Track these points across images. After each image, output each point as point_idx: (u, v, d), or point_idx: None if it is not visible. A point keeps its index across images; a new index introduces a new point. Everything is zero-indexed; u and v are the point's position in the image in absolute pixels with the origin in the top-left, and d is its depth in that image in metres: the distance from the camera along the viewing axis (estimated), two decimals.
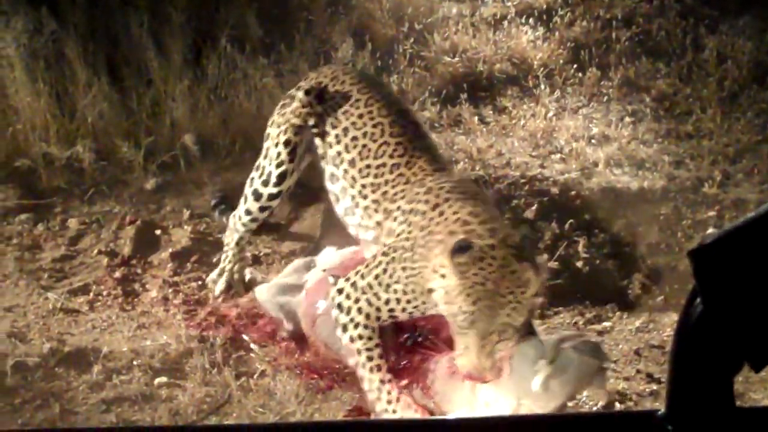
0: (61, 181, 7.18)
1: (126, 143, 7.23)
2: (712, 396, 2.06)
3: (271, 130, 5.85)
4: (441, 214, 4.93)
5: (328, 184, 5.63)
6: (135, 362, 5.63)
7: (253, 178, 5.88)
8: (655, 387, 5.39)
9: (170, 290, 6.24)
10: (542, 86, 8.22)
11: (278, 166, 5.76)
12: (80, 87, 7.50)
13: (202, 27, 8.21)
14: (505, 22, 8.97)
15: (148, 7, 8.04)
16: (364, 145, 5.43)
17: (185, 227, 6.80)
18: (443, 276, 4.69)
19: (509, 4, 9.34)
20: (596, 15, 9.07)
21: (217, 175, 7.26)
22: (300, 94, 5.75)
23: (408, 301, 4.98)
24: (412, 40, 8.66)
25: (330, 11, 8.83)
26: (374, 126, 5.46)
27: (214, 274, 6.17)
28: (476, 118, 7.95)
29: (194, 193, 7.12)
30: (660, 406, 5.27)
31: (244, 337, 5.82)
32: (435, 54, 8.54)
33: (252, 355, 5.72)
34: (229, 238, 6.11)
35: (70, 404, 5.36)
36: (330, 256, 5.71)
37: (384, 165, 5.34)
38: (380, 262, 5.06)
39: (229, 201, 6.48)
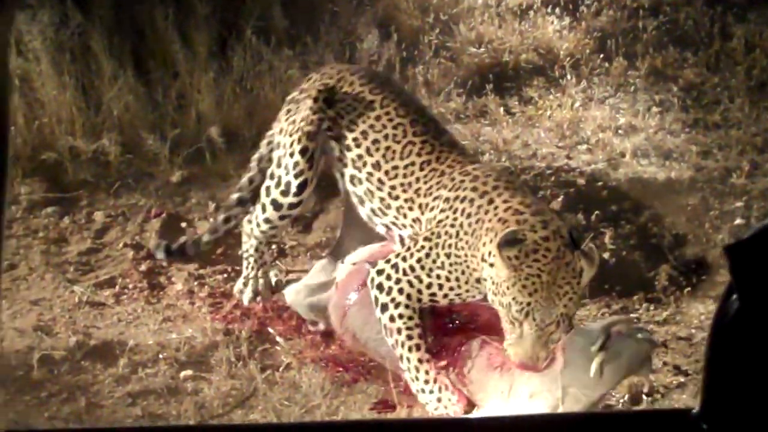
0: (87, 174, 7.18)
1: (152, 136, 7.22)
2: (749, 395, 2.02)
3: (282, 139, 5.78)
4: (491, 201, 4.95)
5: (349, 186, 5.63)
6: (161, 355, 5.65)
7: (269, 187, 5.80)
8: (682, 379, 5.37)
9: (195, 283, 6.24)
10: (568, 76, 8.16)
11: (297, 175, 5.68)
12: (106, 80, 7.51)
13: (227, 19, 8.18)
14: (531, 12, 8.91)
15: None
16: (388, 147, 5.43)
17: (211, 220, 6.79)
18: (492, 265, 4.71)
19: None
20: (623, 4, 8.99)
21: (242, 167, 7.24)
22: (309, 102, 5.70)
23: (451, 288, 5.02)
24: (437, 30, 8.61)
25: (355, 2, 8.78)
26: (395, 127, 5.45)
27: (239, 284, 6.09)
28: (502, 108, 7.91)
29: (220, 186, 7.11)
30: (687, 398, 5.25)
31: (270, 330, 5.82)
32: (460, 44, 8.50)
33: (277, 348, 5.72)
34: (248, 245, 6.05)
35: (96, 398, 5.39)
36: (359, 252, 5.68)
37: (413, 164, 5.34)
38: (422, 246, 5.08)
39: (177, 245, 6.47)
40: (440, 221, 5.10)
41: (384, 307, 5.12)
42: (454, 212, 5.06)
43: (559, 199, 6.75)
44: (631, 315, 5.92)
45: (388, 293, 5.10)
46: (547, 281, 4.63)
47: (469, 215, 4.99)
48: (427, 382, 5.02)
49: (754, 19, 8.73)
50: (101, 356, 5.66)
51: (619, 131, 7.58)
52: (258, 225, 5.92)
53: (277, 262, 6.44)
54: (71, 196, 7.04)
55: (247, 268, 6.08)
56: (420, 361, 5.04)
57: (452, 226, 5.03)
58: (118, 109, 7.40)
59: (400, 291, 5.08)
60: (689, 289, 6.11)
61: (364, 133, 5.52)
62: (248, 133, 7.39)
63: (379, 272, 5.17)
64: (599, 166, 7.13)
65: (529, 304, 4.63)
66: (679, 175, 7.03)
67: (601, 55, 8.43)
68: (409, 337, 5.07)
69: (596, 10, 8.87)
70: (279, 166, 5.78)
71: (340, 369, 5.52)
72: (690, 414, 2.10)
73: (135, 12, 8.13)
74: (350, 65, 6.07)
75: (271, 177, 5.81)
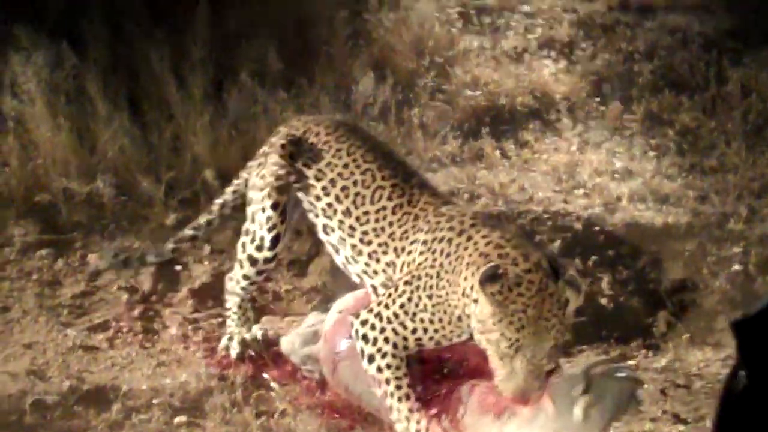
0: (82, 216, 7.15)
1: (146, 178, 7.20)
2: None
3: (253, 194, 5.79)
4: (469, 238, 4.92)
5: (323, 236, 5.63)
6: (154, 401, 5.60)
7: (244, 244, 5.80)
8: (681, 428, 5.33)
9: (190, 327, 6.21)
10: (564, 120, 8.16)
11: (270, 230, 5.69)
12: (101, 122, 7.48)
13: (222, 61, 8.17)
14: (527, 55, 8.94)
15: (169, 41, 8.00)
16: (357, 193, 5.41)
17: (205, 263, 6.77)
18: (475, 301, 4.67)
19: (531, 36, 9.29)
20: (618, 48, 9.03)
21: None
22: (275, 157, 5.70)
23: (435, 330, 4.97)
24: (433, 73, 8.62)
25: (350, 44, 8.78)
26: (363, 173, 5.43)
27: (225, 340, 6.03)
28: (498, 152, 7.90)
29: (215, 229, 7.05)
30: None
31: (265, 375, 5.77)
32: (456, 87, 8.50)
33: (272, 394, 5.67)
34: (231, 303, 6.04)
35: None
36: (345, 299, 5.65)
37: (384, 208, 5.32)
38: (404, 291, 5.04)
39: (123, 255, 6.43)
40: (420, 264, 5.06)
41: (371, 359, 5.07)
42: (433, 253, 5.02)
43: (556, 244, 6.73)
44: (630, 362, 5.88)
45: (374, 344, 5.05)
46: (533, 315, 4.56)
47: (448, 254, 4.95)
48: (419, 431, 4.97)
49: (749, 63, 8.75)
50: (94, 401, 5.59)
51: (616, 175, 7.57)
52: (238, 282, 5.92)
53: (271, 306, 6.41)
54: (65, 239, 7.00)
55: (231, 324, 6.06)
56: (411, 411, 4.98)
57: (432, 266, 4.99)
58: (113, 151, 7.37)
59: (386, 340, 5.03)
60: (688, 335, 6.07)
61: (332, 181, 5.50)
62: None
63: (363, 323, 5.12)
64: (596, 211, 7.11)
65: (518, 340, 4.56)
66: (677, 220, 7.01)
67: (597, 99, 8.45)
68: (398, 387, 5.02)
69: (592, 54, 8.90)
70: (252, 221, 5.77)
71: (336, 415, 5.47)
72: None
73: (130, 54, 8.13)
74: (317, 116, 6.04)
75: (246, 233, 5.81)
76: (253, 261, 5.79)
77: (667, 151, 7.89)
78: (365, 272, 5.39)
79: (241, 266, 5.85)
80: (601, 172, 7.57)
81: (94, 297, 6.56)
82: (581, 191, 7.41)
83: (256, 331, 6.02)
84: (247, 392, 5.63)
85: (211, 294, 6.48)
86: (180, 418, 5.49)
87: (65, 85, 7.59)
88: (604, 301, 6.32)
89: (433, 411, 4.98)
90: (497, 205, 7.17)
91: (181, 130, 7.60)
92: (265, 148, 5.91)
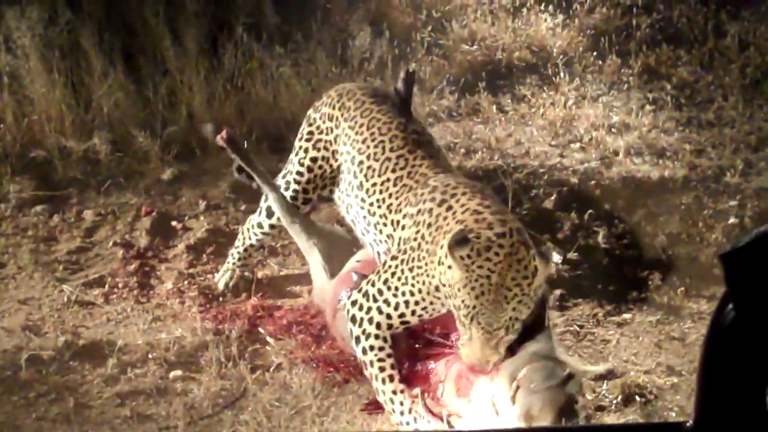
0: (77, 172, 7.15)
1: (142, 134, 7.19)
2: (745, 407, 1.97)
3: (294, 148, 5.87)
4: (449, 208, 4.88)
5: (346, 216, 5.65)
6: (150, 355, 5.62)
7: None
8: (675, 380, 5.34)
9: (186, 282, 6.21)
10: (561, 74, 8.13)
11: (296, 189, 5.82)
12: (96, 77, 7.47)
13: (218, 16, 8.13)
14: (524, 10, 8.89)
15: None
16: (369, 167, 5.39)
17: (201, 219, 6.76)
18: (449, 267, 4.64)
19: None
20: (616, 2, 8.97)
21: (233, 164, 7.22)
22: (311, 117, 5.81)
23: (416, 302, 4.93)
24: (430, 28, 8.60)
25: None
26: (375, 146, 5.41)
27: (219, 273, 6.18)
28: (495, 106, 7.88)
29: (210, 184, 7.08)
30: (681, 399, 5.21)
31: (260, 329, 5.79)
32: (453, 42, 8.47)
33: (268, 348, 5.69)
34: (240, 241, 6.16)
35: (85, 398, 5.36)
36: (365, 251, 5.62)
37: (388, 180, 5.30)
38: (389, 267, 5.03)
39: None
40: (406, 239, 5.05)
41: (357, 340, 5.06)
42: (417, 226, 4.99)
43: (552, 198, 6.73)
44: (624, 315, 5.89)
45: (360, 325, 5.04)
46: (496, 283, 4.52)
47: (429, 225, 4.91)
48: (402, 413, 4.94)
49: (747, 17, 8.72)
50: (90, 356, 5.62)
51: (613, 130, 7.55)
52: (253, 226, 6.04)
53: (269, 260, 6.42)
54: (61, 195, 7.01)
55: (230, 260, 6.17)
56: (394, 392, 4.97)
57: (415, 239, 4.96)
58: (108, 106, 7.36)
59: (370, 321, 5.01)
60: (682, 288, 6.06)
61: (353, 159, 5.49)
62: (239, 131, 7.36)
63: (353, 303, 5.11)
64: (592, 165, 7.10)
65: (474, 307, 4.53)
66: (673, 174, 7.00)
67: (595, 53, 8.40)
68: (382, 369, 5.00)
69: (589, 8, 8.85)
70: (283, 177, 5.88)
71: (331, 369, 5.49)
72: (684, 427, 2.05)
73: (125, 9, 8.10)
74: (350, 89, 5.93)
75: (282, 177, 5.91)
76: (269, 214, 5.92)
77: (664, 105, 7.86)
78: (374, 242, 5.39)
79: (259, 213, 6.01)
80: (597, 127, 7.55)
81: (89, 253, 6.56)
82: (578, 145, 7.39)
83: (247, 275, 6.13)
84: (242, 346, 5.65)
85: (206, 249, 6.48)
86: (175, 373, 5.51)
87: (59, 40, 7.57)
88: (599, 255, 6.31)
89: (416, 391, 4.94)
90: (493, 160, 7.15)
91: (177, 85, 7.59)
92: (311, 111, 5.90)
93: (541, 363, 4.59)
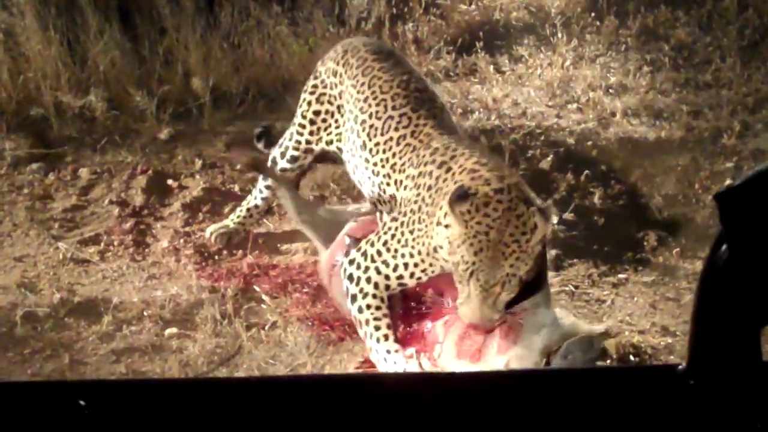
0: (73, 130, 7.13)
1: (138, 92, 7.17)
2: (738, 349, 1.95)
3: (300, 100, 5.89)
4: (448, 170, 4.87)
5: (353, 176, 5.63)
6: (145, 313, 5.61)
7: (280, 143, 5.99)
8: (670, 340, 5.34)
9: (181, 240, 6.20)
10: (559, 35, 8.09)
11: (297, 142, 5.90)
12: (92, 35, 7.43)
13: None
14: None
15: None
16: (372, 125, 5.37)
17: (197, 177, 6.75)
18: (447, 226, 4.63)
19: None
20: None
21: (229, 123, 7.21)
22: (319, 71, 5.79)
23: (416, 264, 4.92)
24: None
25: None
26: (378, 104, 5.38)
27: (217, 225, 6.22)
28: (492, 67, 7.86)
29: (207, 143, 7.06)
30: (675, 359, 5.21)
31: (255, 288, 5.79)
32: (451, 2, 8.43)
33: (263, 306, 5.68)
34: (247, 200, 6.22)
35: (80, 355, 5.35)
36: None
37: (391, 139, 5.28)
38: (389, 228, 5.02)
39: (270, 133, 6.41)
40: (408, 200, 5.04)
41: (353, 298, 5.06)
42: (418, 188, 4.99)
43: (549, 159, 6.72)
44: (620, 276, 5.89)
45: (357, 283, 5.03)
46: (494, 239, 4.51)
47: (429, 188, 4.91)
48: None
49: None
50: (85, 313, 5.62)
51: (610, 90, 7.53)
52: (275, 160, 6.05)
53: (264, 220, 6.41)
54: (57, 153, 6.99)
55: (232, 217, 6.23)
56: (388, 351, 4.94)
57: (416, 202, 4.95)
58: (105, 64, 7.33)
59: (368, 280, 5.01)
60: (678, 249, 6.06)
61: (356, 118, 5.47)
62: (236, 90, 7.34)
63: (350, 262, 5.11)
64: (589, 126, 7.08)
65: (474, 263, 4.52)
66: (670, 135, 6.98)
67: (593, 14, 8.37)
68: (377, 328, 4.98)
69: None
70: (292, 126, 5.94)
71: (326, 327, 5.49)
72: (677, 370, 2.05)
73: None
74: (354, 45, 5.91)
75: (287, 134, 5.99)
76: (273, 161, 6.00)
77: (661, 66, 7.84)
78: (379, 202, 5.38)
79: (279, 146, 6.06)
80: (595, 87, 7.53)
81: (85, 211, 6.55)
82: (575, 106, 7.37)
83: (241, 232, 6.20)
84: (237, 304, 5.65)
85: (202, 208, 6.47)
86: (170, 330, 5.51)
87: None
88: (595, 215, 6.31)
89: (411, 351, 4.94)
90: (490, 120, 7.13)
91: (173, 43, 7.55)
92: (318, 64, 5.90)
93: (580, 336, 4.61)
